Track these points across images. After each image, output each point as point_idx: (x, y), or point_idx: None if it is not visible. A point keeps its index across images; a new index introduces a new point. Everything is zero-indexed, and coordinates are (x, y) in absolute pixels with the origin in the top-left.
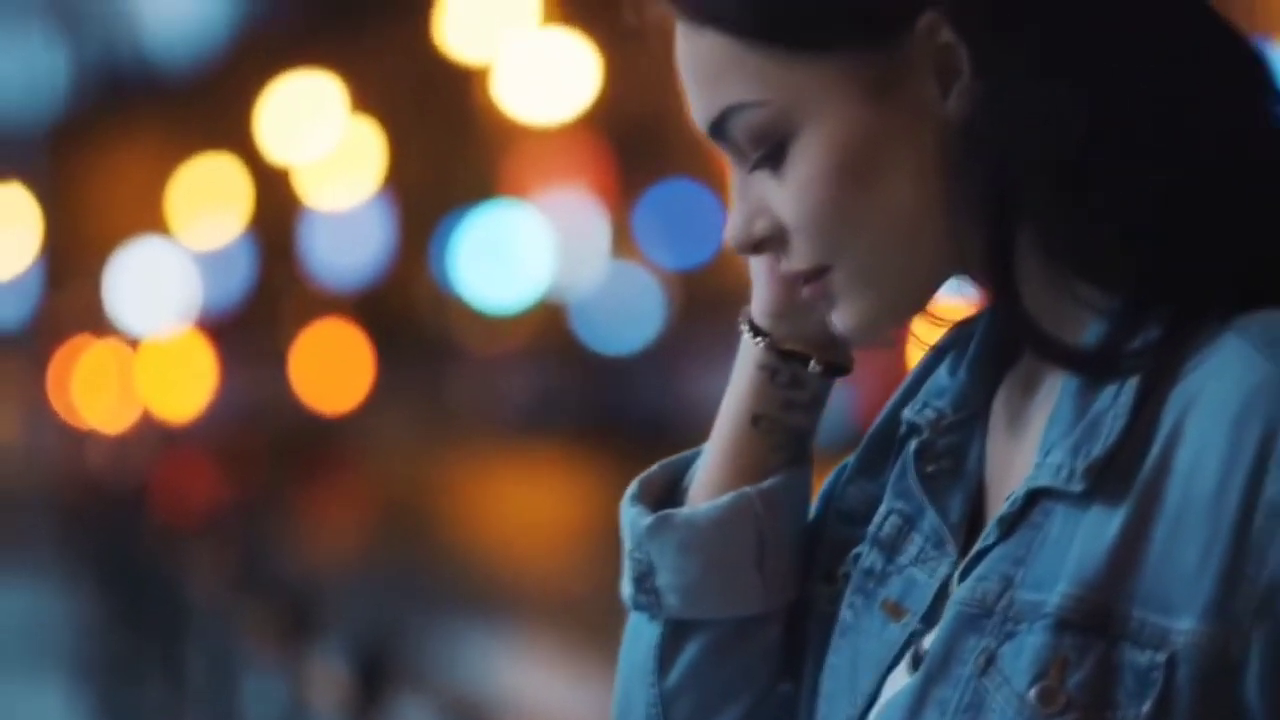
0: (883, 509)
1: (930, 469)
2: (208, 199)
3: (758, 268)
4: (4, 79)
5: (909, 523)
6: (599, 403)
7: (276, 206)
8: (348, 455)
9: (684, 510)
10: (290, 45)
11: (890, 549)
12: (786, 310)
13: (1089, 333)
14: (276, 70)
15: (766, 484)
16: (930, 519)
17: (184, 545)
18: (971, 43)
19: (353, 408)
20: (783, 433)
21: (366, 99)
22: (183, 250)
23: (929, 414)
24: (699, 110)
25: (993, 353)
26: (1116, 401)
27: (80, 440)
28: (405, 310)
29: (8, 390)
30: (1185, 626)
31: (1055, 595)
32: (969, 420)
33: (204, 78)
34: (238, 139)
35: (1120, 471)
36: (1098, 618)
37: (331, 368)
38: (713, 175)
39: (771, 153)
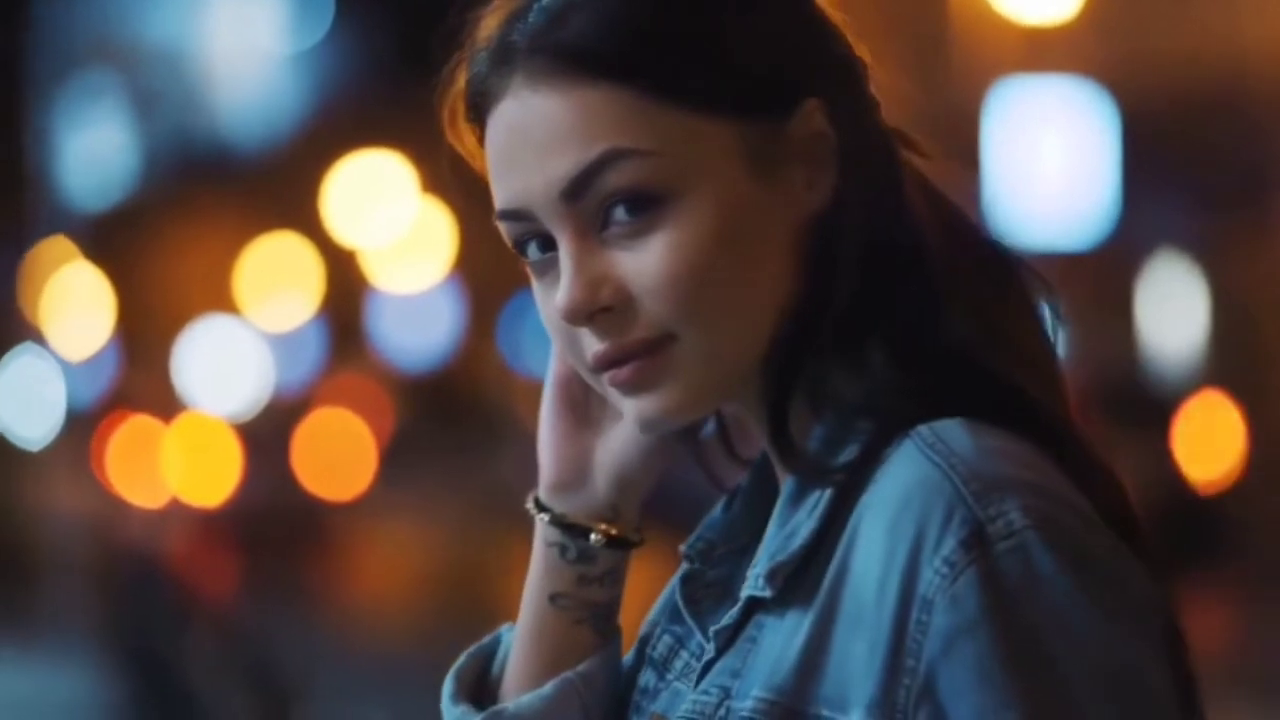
0: (657, 631)
1: (699, 595)
2: (277, 279)
3: (545, 435)
4: (76, 158)
5: (679, 642)
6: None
7: (345, 287)
8: (375, 539)
9: (510, 707)
10: (361, 126)
11: (662, 667)
12: (571, 482)
13: (812, 439)
14: (347, 150)
15: (584, 667)
16: (696, 638)
17: (191, 629)
18: (840, 136)
19: (362, 492)
20: (582, 608)
21: (437, 180)
22: (253, 330)
23: (700, 545)
24: (562, 164)
25: (766, 486)
26: (812, 513)
27: (121, 515)
28: (470, 390)
29: (79, 466)
30: None
31: (749, 700)
32: (741, 549)
33: (275, 157)
34: (307, 219)
35: (813, 579)
36: None
37: (340, 451)
38: None
39: (642, 207)
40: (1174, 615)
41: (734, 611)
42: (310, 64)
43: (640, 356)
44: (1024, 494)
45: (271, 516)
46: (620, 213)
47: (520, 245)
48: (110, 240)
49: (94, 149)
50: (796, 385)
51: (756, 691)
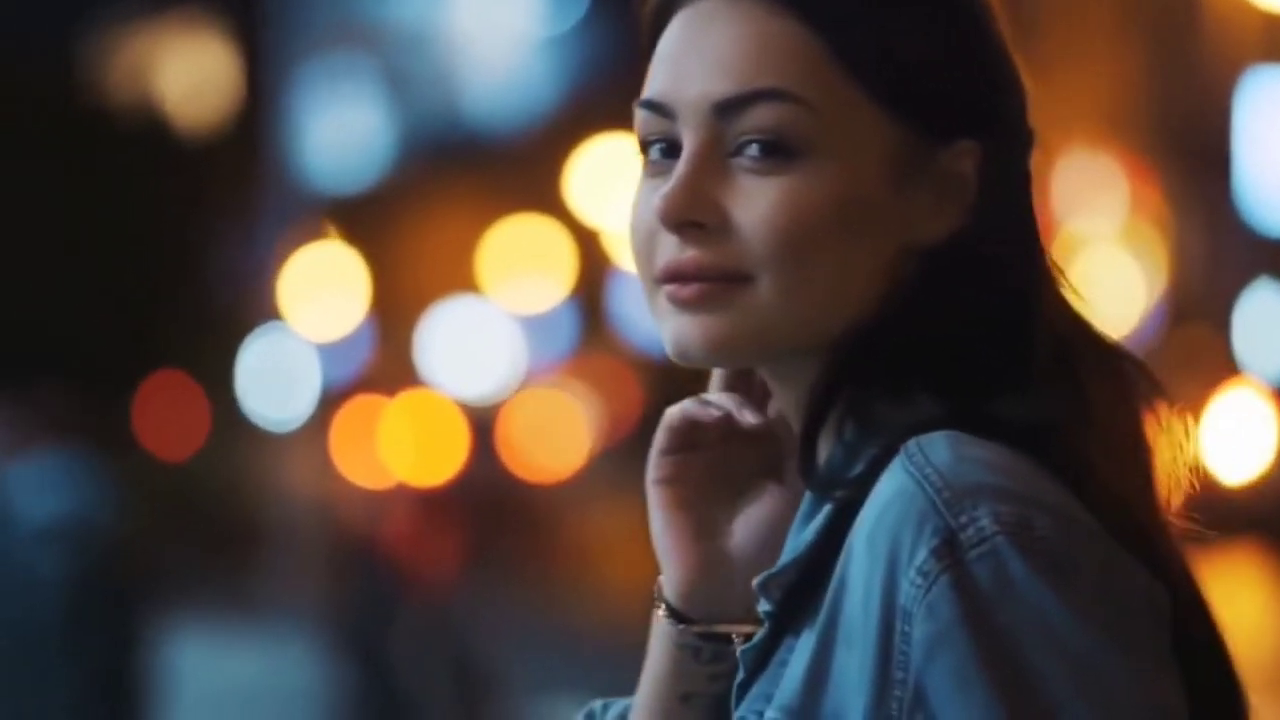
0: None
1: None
2: (523, 260)
3: (666, 543)
4: (323, 140)
5: None
6: None
7: (591, 271)
8: (596, 524)
9: None
10: (610, 110)
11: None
12: (702, 586)
13: (830, 455)
14: (594, 133)
15: None
16: None
17: (402, 615)
18: (981, 187)
19: (571, 474)
20: (710, 699)
21: None
22: (500, 311)
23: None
24: (725, 82)
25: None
26: (814, 528)
27: (353, 498)
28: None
29: (325, 449)
30: None
31: None
32: None
33: (523, 139)
34: (553, 202)
35: (818, 598)
36: None
37: (549, 433)
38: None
39: (775, 152)
40: (1205, 630)
41: (760, 632)
42: (563, 48)
43: (710, 281)
44: (997, 500)
45: (487, 498)
46: (754, 149)
47: (646, 143)
48: (358, 222)
49: (341, 131)
50: (837, 399)
51: (770, 712)
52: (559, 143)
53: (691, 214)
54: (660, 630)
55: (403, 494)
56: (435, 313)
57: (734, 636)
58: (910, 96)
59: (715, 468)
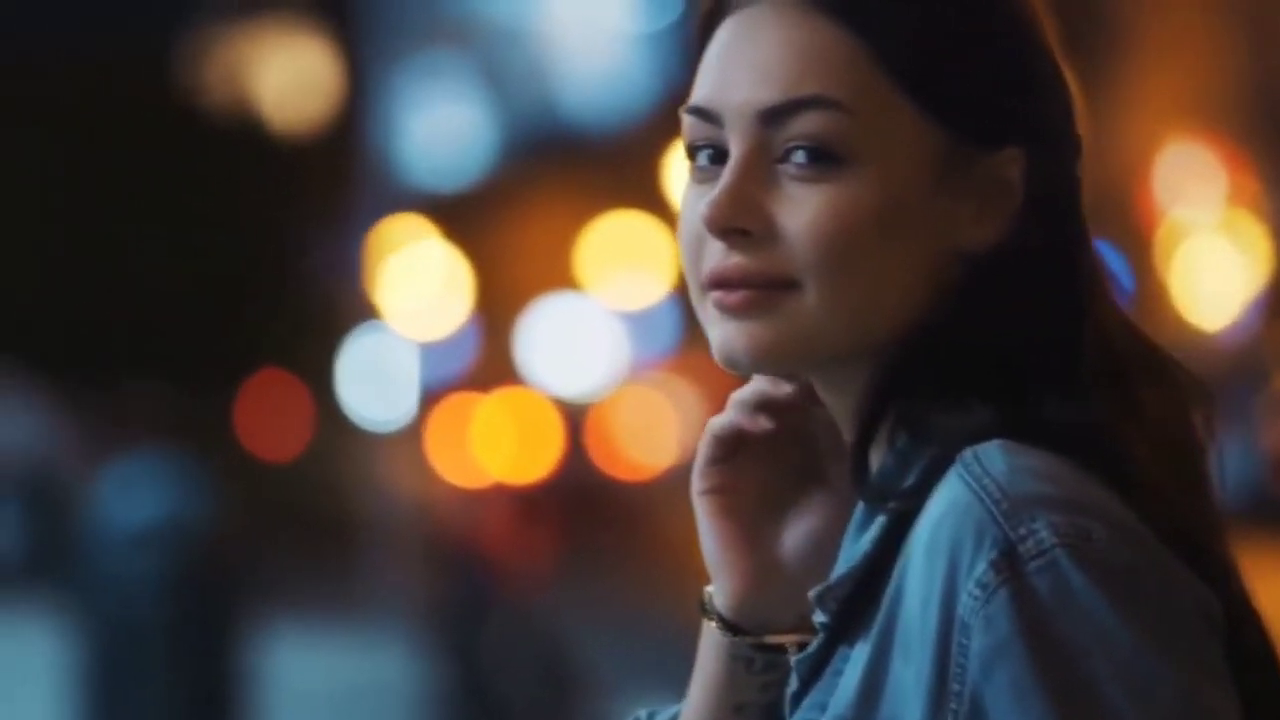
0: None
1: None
2: (624, 257)
3: (717, 554)
4: (419, 137)
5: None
6: None
7: None
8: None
9: None
10: None
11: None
12: (756, 596)
13: (882, 464)
14: None
15: None
16: None
17: (494, 614)
18: (1030, 195)
19: (666, 471)
20: (763, 708)
21: None
22: (600, 308)
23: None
24: (770, 89)
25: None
26: (869, 539)
27: (453, 498)
28: None
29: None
30: None
31: None
32: None
33: (622, 135)
34: (657, 197)
35: (873, 608)
36: None
37: (646, 430)
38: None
39: (820, 159)
40: (1255, 638)
41: (815, 642)
42: (661, 44)
43: (756, 288)
44: (1054, 511)
45: (583, 496)
46: (800, 156)
47: (693, 149)
48: (458, 219)
49: (440, 129)
50: (889, 408)
51: None
52: (657, 138)
53: (737, 221)
54: (711, 641)
55: (499, 493)
56: (535, 310)
57: (788, 647)
58: (954, 103)
59: (762, 477)
